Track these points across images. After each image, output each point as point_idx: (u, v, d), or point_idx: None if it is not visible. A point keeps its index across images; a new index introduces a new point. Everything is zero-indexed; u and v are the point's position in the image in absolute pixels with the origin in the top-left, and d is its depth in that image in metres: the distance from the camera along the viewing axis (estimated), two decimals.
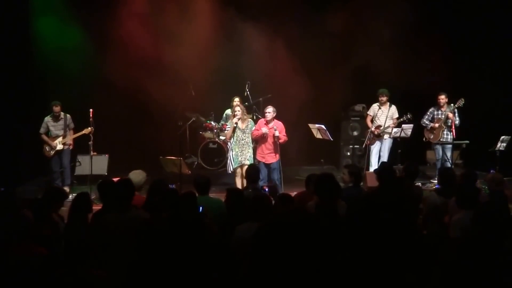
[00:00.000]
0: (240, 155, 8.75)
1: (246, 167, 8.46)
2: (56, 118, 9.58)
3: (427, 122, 10.01)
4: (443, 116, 9.82)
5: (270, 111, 8.84)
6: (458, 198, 4.92)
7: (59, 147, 9.54)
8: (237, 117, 8.74)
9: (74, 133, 9.62)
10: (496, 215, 3.86)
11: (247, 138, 8.78)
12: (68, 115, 9.66)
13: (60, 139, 9.57)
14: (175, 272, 3.26)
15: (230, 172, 8.98)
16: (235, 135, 8.80)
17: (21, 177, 9.92)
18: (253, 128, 8.82)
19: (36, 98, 10.48)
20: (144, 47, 10.54)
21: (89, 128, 9.19)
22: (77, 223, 4.89)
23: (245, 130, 8.79)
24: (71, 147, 9.69)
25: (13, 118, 10.13)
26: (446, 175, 6.16)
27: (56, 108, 9.52)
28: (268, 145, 8.82)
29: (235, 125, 8.77)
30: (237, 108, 8.85)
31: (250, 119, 9.03)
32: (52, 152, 9.55)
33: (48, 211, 4.94)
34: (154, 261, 3.48)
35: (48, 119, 9.61)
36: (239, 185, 8.61)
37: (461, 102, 9.64)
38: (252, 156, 8.86)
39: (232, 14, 10.78)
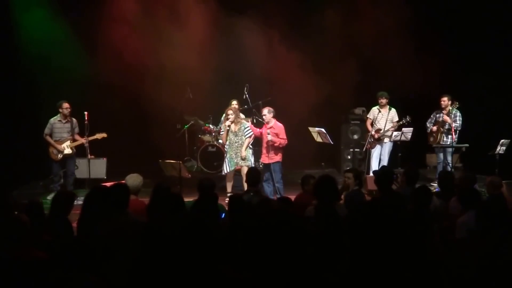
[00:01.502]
0: (234, 158, 8.84)
1: (245, 169, 8.68)
2: (65, 118, 9.23)
3: (428, 125, 10.01)
4: (442, 119, 9.80)
5: (265, 113, 8.93)
6: (461, 200, 4.96)
7: (68, 151, 9.25)
8: (230, 120, 8.83)
9: (75, 140, 9.34)
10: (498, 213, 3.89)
11: (241, 141, 8.82)
12: (74, 119, 9.34)
13: (68, 142, 9.25)
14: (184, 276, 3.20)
15: (224, 174, 9.08)
16: (228, 138, 8.89)
17: (16, 180, 9.80)
18: (246, 130, 8.88)
19: (32, 101, 10.41)
20: (140, 50, 10.50)
21: (102, 134, 9.14)
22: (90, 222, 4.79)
23: (237, 133, 8.86)
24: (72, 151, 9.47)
25: (8, 121, 10.07)
26: (446, 178, 6.16)
27: (66, 105, 9.16)
28: (264, 145, 8.94)
29: (228, 128, 8.86)
30: (230, 112, 8.92)
31: (243, 121, 9.07)
32: (60, 156, 9.23)
33: (60, 216, 4.85)
34: (160, 264, 3.42)
35: (54, 120, 9.25)
36: (228, 188, 8.84)
37: (455, 105, 9.64)
38: (251, 157, 8.87)
39: (230, 16, 10.76)
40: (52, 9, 10.44)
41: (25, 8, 10.32)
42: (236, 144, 8.84)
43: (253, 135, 9.01)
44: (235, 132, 8.85)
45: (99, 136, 9.18)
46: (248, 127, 8.96)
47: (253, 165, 8.98)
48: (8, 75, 10.21)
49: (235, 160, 8.82)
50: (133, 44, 10.39)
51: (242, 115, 10.38)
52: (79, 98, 10.00)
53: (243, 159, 8.79)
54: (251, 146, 9.10)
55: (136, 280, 3.57)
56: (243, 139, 8.84)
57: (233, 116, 8.84)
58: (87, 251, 3.53)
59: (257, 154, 10.46)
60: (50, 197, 9.29)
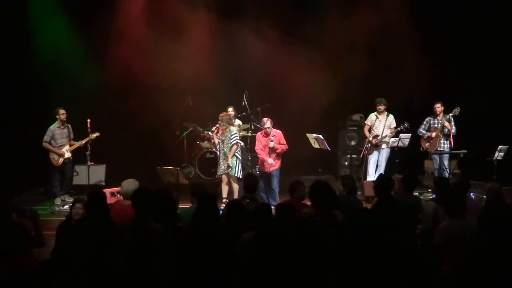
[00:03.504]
0: (222, 164, 8.97)
1: (231, 177, 8.86)
2: (62, 124, 9.52)
3: (423, 131, 10.02)
4: (439, 125, 9.83)
5: (268, 124, 8.97)
6: (446, 207, 4.95)
7: (68, 155, 9.51)
8: (215, 126, 9.10)
9: (73, 144, 9.57)
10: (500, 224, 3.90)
11: (227, 148, 8.92)
12: (69, 125, 9.64)
13: (68, 147, 9.53)
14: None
15: (217, 177, 9.27)
16: (218, 145, 9.06)
17: (17, 187, 9.85)
18: (233, 136, 8.91)
19: (32, 108, 10.46)
20: (143, 60, 10.59)
21: (95, 133, 9.29)
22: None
23: (224, 140, 8.95)
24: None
25: (10, 127, 10.12)
26: (442, 184, 6.20)
27: (62, 111, 9.49)
28: (271, 155, 8.97)
29: (211, 134, 9.09)
30: (219, 118, 9.03)
31: (231, 128, 9.10)
32: (61, 161, 9.49)
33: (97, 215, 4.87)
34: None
35: (54, 127, 9.52)
36: (224, 192, 8.93)
37: (456, 111, 9.68)
38: (236, 165, 8.90)
39: (228, 23, 10.84)
40: (67, 19, 10.68)
41: (44, 17, 10.54)
42: (223, 151, 8.95)
43: (239, 142, 9.08)
44: (222, 139, 8.95)
45: (92, 136, 9.29)
46: (235, 133, 9.02)
47: (239, 175, 8.94)
48: (15, 82, 10.29)
49: (222, 167, 8.94)
50: (136, 54, 10.51)
51: (238, 121, 10.46)
52: (81, 106, 10.10)
53: (229, 166, 8.85)
54: (238, 153, 9.05)
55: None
56: (229, 146, 8.91)
57: (220, 123, 8.97)
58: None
59: (254, 161, 10.52)
60: (57, 202, 9.40)
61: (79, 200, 5.75)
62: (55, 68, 10.31)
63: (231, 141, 8.89)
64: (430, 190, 9.82)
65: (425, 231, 5.55)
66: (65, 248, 3.82)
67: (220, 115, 9.14)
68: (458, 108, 9.65)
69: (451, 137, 9.67)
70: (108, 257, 4.32)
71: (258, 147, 9.15)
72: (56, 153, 9.46)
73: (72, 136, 9.66)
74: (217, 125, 9.06)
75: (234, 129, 9.14)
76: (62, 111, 9.49)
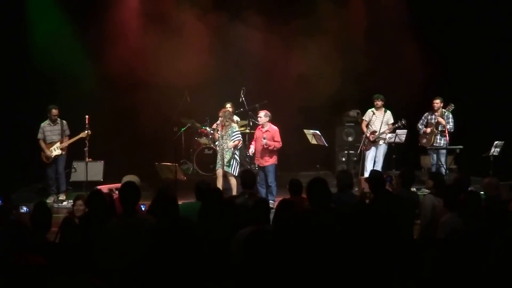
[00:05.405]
0: (219, 160, 9.02)
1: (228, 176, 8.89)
2: (53, 122, 9.50)
3: (420, 127, 10.07)
4: (435, 121, 9.88)
5: (261, 115, 9.06)
6: (446, 200, 5.02)
7: (57, 152, 9.48)
8: (216, 123, 9.25)
9: (70, 139, 9.58)
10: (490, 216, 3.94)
11: (224, 145, 8.95)
12: (64, 121, 9.60)
13: (58, 144, 9.51)
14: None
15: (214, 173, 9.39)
16: (218, 140, 9.16)
17: (15, 184, 9.85)
18: (233, 133, 8.95)
19: (30, 104, 10.44)
20: (141, 56, 10.58)
21: (86, 131, 9.16)
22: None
23: (223, 136, 8.98)
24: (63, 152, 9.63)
25: (9, 123, 10.12)
26: (439, 178, 6.28)
27: (55, 111, 9.45)
28: (259, 148, 9.05)
29: (212, 131, 9.17)
30: (220, 114, 9.09)
31: (233, 125, 9.12)
32: (50, 159, 9.49)
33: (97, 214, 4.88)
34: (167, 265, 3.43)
35: (44, 124, 9.51)
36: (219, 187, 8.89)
37: (450, 108, 9.72)
38: (230, 162, 8.92)
39: (225, 19, 10.84)
40: (65, 13, 10.66)
41: (41, 11, 10.50)
42: (221, 147, 8.99)
43: (241, 140, 9.12)
44: (222, 135, 9.00)
45: (83, 134, 9.25)
46: (237, 131, 9.05)
47: (235, 173, 8.96)
48: (12, 77, 10.27)
49: (220, 163, 8.99)
50: (134, 50, 10.53)
51: (236, 118, 10.48)
52: (79, 102, 10.09)
53: (227, 165, 8.88)
54: (236, 152, 9.07)
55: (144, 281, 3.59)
56: (228, 143, 8.93)
57: (221, 119, 9.00)
58: (88, 252, 3.52)
59: (252, 157, 10.53)
60: (49, 200, 9.40)
61: (80, 197, 5.78)
62: (52, 63, 10.25)
63: (233, 137, 8.90)
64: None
65: (423, 225, 5.60)
66: (71, 244, 3.81)
67: (222, 111, 9.16)
68: (452, 105, 9.70)
69: (446, 133, 9.71)
70: (98, 252, 4.34)
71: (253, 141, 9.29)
72: (45, 151, 9.45)
73: (67, 132, 9.62)
74: (217, 122, 9.06)
75: (236, 126, 9.15)
76: (53, 112, 9.44)
